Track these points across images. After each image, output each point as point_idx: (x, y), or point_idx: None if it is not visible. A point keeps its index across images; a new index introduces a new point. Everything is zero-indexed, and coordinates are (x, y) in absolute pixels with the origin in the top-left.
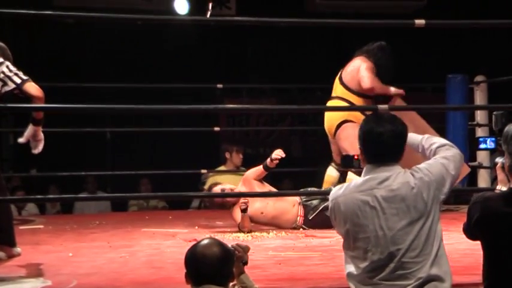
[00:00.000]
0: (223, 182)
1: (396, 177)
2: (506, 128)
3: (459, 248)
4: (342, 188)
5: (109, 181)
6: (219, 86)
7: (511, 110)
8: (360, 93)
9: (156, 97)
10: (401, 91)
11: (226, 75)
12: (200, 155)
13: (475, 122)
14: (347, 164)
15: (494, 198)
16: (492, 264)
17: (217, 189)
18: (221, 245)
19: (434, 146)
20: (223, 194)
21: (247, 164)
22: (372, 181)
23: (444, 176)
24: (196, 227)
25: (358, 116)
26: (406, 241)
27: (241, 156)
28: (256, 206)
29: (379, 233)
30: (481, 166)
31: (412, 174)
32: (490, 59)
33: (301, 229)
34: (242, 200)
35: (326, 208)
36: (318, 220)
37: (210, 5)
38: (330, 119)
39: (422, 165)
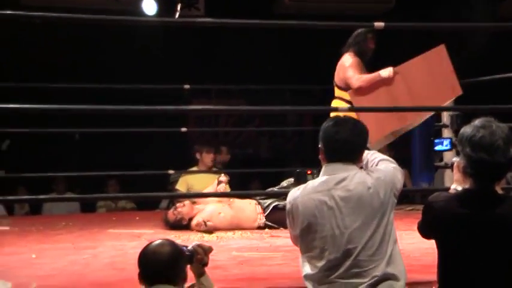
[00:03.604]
0: (194, 182)
1: (353, 178)
2: (461, 130)
3: (421, 247)
4: (300, 189)
5: (77, 182)
6: (186, 86)
7: (468, 111)
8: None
9: (123, 98)
10: (390, 72)
11: (195, 76)
12: (168, 155)
13: (441, 123)
14: (300, 179)
15: (448, 199)
16: (445, 263)
17: (199, 220)
18: (172, 244)
19: (377, 160)
20: (189, 194)
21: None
22: (330, 182)
23: (396, 180)
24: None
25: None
26: (362, 240)
27: (211, 156)
28: (212, 208)
29: (335, 232)
30: (447, 166)
31: (369, 174)
32: (456, 60)
33: (266, 229)
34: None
35: (278, 207)
36: (272, 218)
37: (179, 6)
38: None
39: (379, 167)
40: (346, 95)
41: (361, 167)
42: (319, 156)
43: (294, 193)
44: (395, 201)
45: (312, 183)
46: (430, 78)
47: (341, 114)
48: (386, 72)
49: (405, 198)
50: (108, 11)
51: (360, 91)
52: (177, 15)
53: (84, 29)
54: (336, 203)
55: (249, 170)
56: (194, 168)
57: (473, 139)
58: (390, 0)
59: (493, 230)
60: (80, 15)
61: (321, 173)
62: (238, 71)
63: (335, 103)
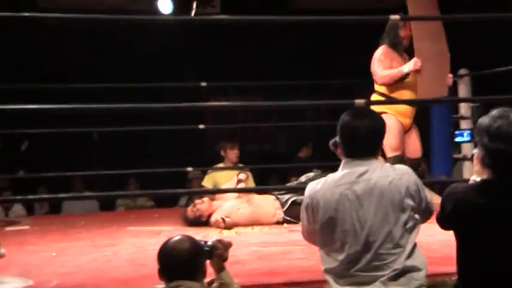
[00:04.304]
0: (221, 179)
1: (374, 171)
2: (479, 120)
3: (440, 239)
4: (320, 183)
5: (96, 181)
6: (203, 84)
7: (489, 102)
8: None
9: (141, 97)
10: (416, 64)
11: (212, 73)
12: (187, 153)
13: (459, 115)
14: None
15: (466, 190)
16: (464, 254)
17: (217, 217)
18: (191, 240)
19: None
20: (207, 190)
21: None
22: (351, 175)
23: (418, 189)
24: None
25: (394, 108)
26: (382, 233)
27: (236, 152)
28: (231, 204)
29: (356, 226)
30: (465, 158)
31: (392, 168)
32: (474, 52)
33: (285, 224)
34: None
35: (297, 202)
36: (291, 213)
37: (195, 3)
38: None
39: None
40: (381, 88)
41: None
42: (338, 150)
43: (314, 187)
44: (415, 205)
45: (332, 177)
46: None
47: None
48: (407, 67)
49: None
50: (125, 11)
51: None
52: (192, 13)
53: (102, 29)
54: (357, 196)
55: (269, 165)
56: (220, 165)
57: (491, 129)
58: None
59: (509, 223)
60: (96, 15)
61: (341, 166)
62: (255, 68)
63: (373, 97)
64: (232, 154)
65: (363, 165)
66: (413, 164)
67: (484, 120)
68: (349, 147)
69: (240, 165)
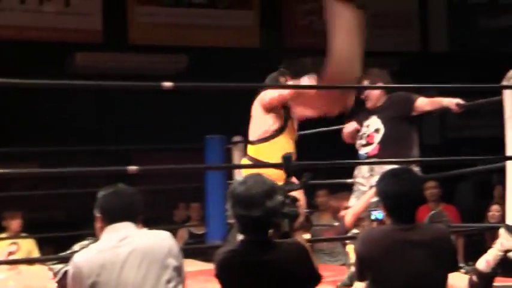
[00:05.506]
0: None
1: (136, 235)
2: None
3: None
4: (85, 251)
5: None
6: None
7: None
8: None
9: None
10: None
11: None
12: None
13: (233, 181)
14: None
15: (227, 251)
16: None
17: None
18: None
19: None
20: None
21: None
22: (113, 241)
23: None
24: None
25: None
26: None
27: (17, 221)
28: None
29: (119, 286)
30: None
31: (152, 232)
32: (246, 119)
33: None
34: None
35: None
36: (64, 283)
37: None
38: None
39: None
40: (250, 151)
41: None
42: (97, 225)
43: (77, 257)
44: (177, 266)
45: (95, 245)
46: None
47: None
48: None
49: (202, 254)
50: None
51: None
52: None
53: None
54: (120, 259)
55: (44, 235)
56: (3, 235)
57: (232, 195)
58: (183, 60)
59: (266, 277)
60: None
61: (104, 234)
62: (30, 133)
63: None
64: (14, 224)
65: (124, 230)
66: None
67: (233, 185)
68: (111, 213)
69: (24, 234)
